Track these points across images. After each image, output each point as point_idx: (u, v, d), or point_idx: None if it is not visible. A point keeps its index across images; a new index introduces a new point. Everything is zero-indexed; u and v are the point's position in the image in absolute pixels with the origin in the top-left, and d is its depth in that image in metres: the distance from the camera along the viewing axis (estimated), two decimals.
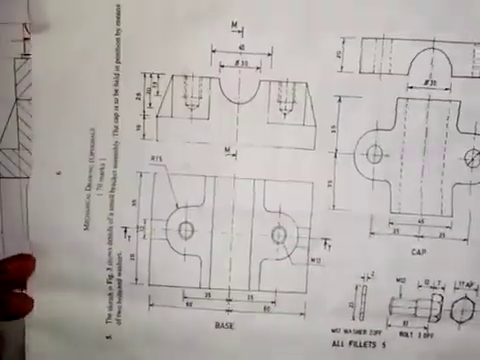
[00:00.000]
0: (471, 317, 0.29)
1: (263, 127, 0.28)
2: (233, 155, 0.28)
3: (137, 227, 0.28)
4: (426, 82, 0.27)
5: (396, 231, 0.28)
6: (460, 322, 0.29)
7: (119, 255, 0.29)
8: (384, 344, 0.29)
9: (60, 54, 0.27)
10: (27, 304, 0.28)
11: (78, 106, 0.28)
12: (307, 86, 0.28)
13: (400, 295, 0.28)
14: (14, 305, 0.28)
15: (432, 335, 0.29)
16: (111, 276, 0.29)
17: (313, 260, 0.28)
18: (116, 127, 0.28)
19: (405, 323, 0.29)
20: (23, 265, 0.28)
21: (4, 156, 0.29)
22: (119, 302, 0.29)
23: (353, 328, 0.29)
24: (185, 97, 0.28)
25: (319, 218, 0.28)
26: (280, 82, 0.28)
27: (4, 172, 0.29)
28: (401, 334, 0.29)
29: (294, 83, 0.27)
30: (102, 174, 0.28)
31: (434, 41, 0.27)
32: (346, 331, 0.29)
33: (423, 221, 0.28)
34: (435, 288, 0.28)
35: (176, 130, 0.28)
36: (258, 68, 0.27)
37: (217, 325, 0.29)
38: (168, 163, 0.28)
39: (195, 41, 0.27)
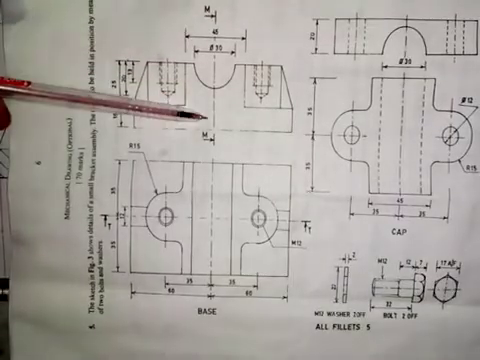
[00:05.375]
0: (454, 296, 0.28)
1: (240, 111, 0.28)
2: (211, 140, 0.28)
3: (117, 215, 0.28)
4: (401, 61, 0.27)
5: (376, 211, 0.28)
6: (443, 301, 0.29)
7: (100, 243, 0.29)
8: (368, 326, 0.29)
9: (34, 44, 0.27)
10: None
11: None
12: (282, 69, 0.28)
13: (382, 276, 0.28)
14: None
15: (416, 315, 0.29)
16: (92, 265, 0.29)
17: (294, 243, 0.28)
18: (93, 115, 0.28)
19: (388, 304, 0.29)
20: None
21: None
22: (101, 291, 0.29)
23: (336, 310, 0.29)
24: (161, 83, 0.28)
25: (298, 200, 0.28)
26: (255, 65, 0.28)
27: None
28: (385, 315, 0.29)
29: (269, 66, 0.27)
30: (81, 163, 0.28)
31: (407, 19, 0.27)
32: (329, 314, 0.29)
33: (402, 200, 0.28)
34: (417, 268, 0.28)
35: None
36: (232, 52, 0.27)
37: (200, 311, 0.29)
38: (146, 150, 0.28)
39: (169, 27, 0.27)
